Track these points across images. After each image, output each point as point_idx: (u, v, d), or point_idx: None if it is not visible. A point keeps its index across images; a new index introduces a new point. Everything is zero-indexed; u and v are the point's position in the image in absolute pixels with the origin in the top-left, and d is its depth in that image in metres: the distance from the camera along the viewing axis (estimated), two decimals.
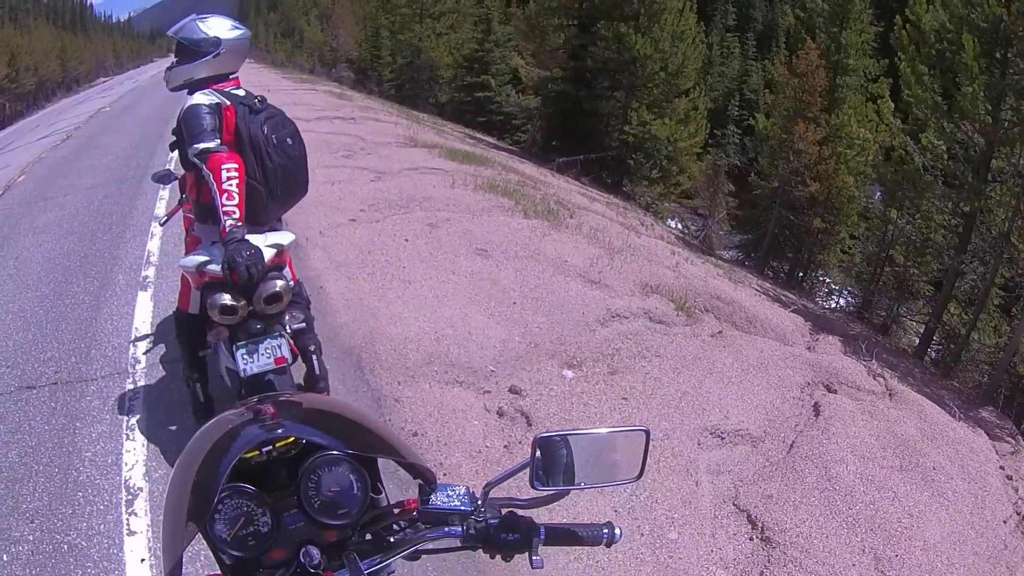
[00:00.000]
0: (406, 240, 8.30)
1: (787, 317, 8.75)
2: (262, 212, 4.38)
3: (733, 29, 76.61)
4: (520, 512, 1.64)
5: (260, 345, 3.96)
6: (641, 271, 7.85)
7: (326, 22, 70.14)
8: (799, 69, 20.19)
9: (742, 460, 5.09)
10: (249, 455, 1.62)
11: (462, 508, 1.65)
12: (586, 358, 5.92)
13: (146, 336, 6.99)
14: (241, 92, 4.38)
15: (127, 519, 4.54)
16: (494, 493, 1.67)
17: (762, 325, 7.70)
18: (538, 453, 1.62)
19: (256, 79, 38.29)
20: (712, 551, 4.31)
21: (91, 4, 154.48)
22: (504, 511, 1.64)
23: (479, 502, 1.66)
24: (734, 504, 4.64)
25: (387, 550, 1.63)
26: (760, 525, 4.44)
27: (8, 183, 16.31)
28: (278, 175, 4.35)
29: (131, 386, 6.11)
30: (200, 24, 4.36)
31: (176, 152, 4.63)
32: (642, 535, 4.15)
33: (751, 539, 4.49)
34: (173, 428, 5.41)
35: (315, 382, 4.72)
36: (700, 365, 6.00)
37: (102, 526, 4.51)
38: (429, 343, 6.15)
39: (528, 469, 1.63)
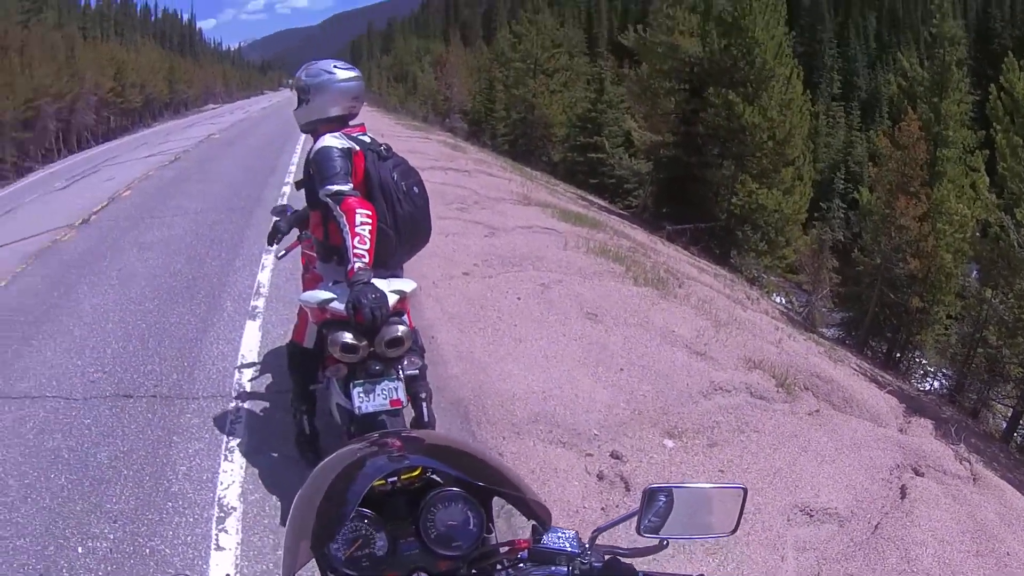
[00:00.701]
0: (518, 298, 8.37)
1: (882, 398, 8.62)
2: (391, 258, 4.53)
3: (838, 98, 75.67)
4: (623, 559, 1.70)
5: (377, 386, 4.05)
6: (745, 345, 7.86)
7: (439, 70, 70.38)
8: (901, 141, 19.91)
9: (828, 538, 5.10)
10: (375, 484, 1.74)
11: (570, 550, 1.72)
12: (687, 429, 5.99)
13: (252, 364, 7.17)
14: (367, 138, 4.56)
15: (216, 534, 4.68)
16: (600, 540, 1.74)
17: (858, 405, 7.61)
18: (647, 502, 1.70)
19: (370, 122, 38.73)
20: None
21: (200, 29, 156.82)
22: (607, 557, 1.70)
23: (586, 546, 1.73)
24: None
25: None
26: None
27: (113, 195, 16.93)
28: (407, 222, 4.47)
29: (234, 410, 6.30)
30: (317, 66, 4.59)
31: (302, 190, 4.77)
32: None
33: None
34: (274, 455, 5.55)
35: (422, 429, 4.77)
36: (796, 442, 6.00)
37: (189, 537, 4.66)
38: (536, 402, 6.16)
39: (635, 518, 1.71)
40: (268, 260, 10.26)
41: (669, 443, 5.80)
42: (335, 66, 4.67)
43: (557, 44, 44.42)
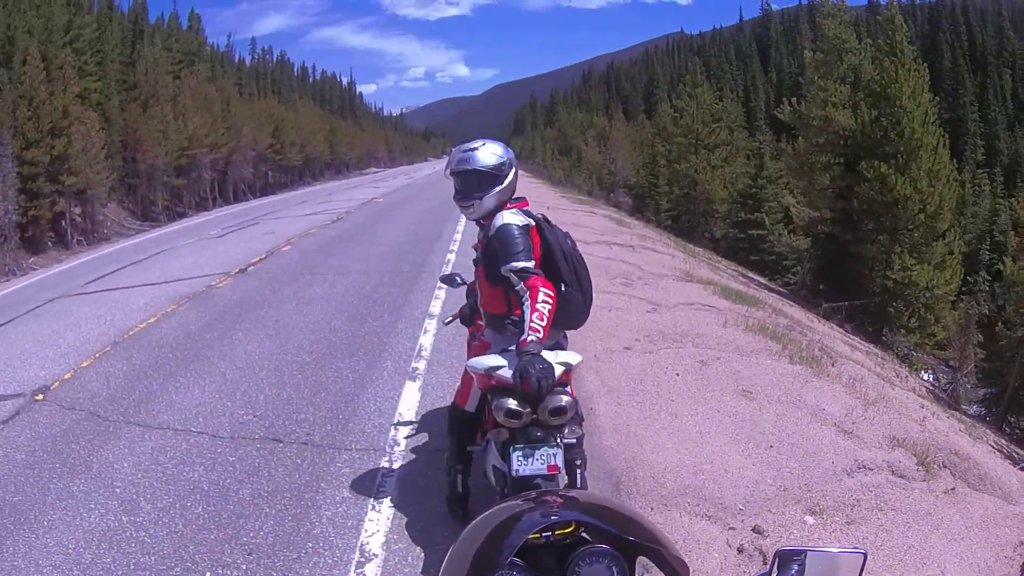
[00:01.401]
0: (677, 374, 8.63)
1: (1015, 474, 8.56)
2: (580, 316, 4.88)
3: (982, 164, 72.94)
4: None
5: (537, 451, 4.18)
6: (891, 424, 7.93)
7: (602, 144, 70.47)
8: None
9: None
10: (530, 537, 1.85)
11: None
12: (828, 506, 6.10)
13: (409, 423, 7.40)
14: (531, 211, 4.80)
15: None
16: None
17: (991, 483, 7.57)
18: (779, 564, 1.78)
19: (536, 194, 38.31)
20: None
21: (360, 93, 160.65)
22: None
23: None
24: None
25: None
26: None
27: (272, 249, 17.76)
28: (587, 281, 4.78)
29: (386, 464, 6.55)
30: (482, 153, 4.70)
31: (479, 267, 4.92)
32: None
33: None
34: (423, 510, 5.70)
35: None
36: (929, 521, 6.05)
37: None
38: (687, 475, 6.34)
39: None
40: (431, 324, 10.75)
41: (810, 519, 5.94)
42: (497, 143, 4.91)
43: (717, 118, 44.46)
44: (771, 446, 7.11)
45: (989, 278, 40.76)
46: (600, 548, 1.95)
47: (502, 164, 4.73)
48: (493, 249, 4.59)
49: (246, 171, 55.65)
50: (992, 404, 22.74)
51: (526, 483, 4.13)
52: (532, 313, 4.17)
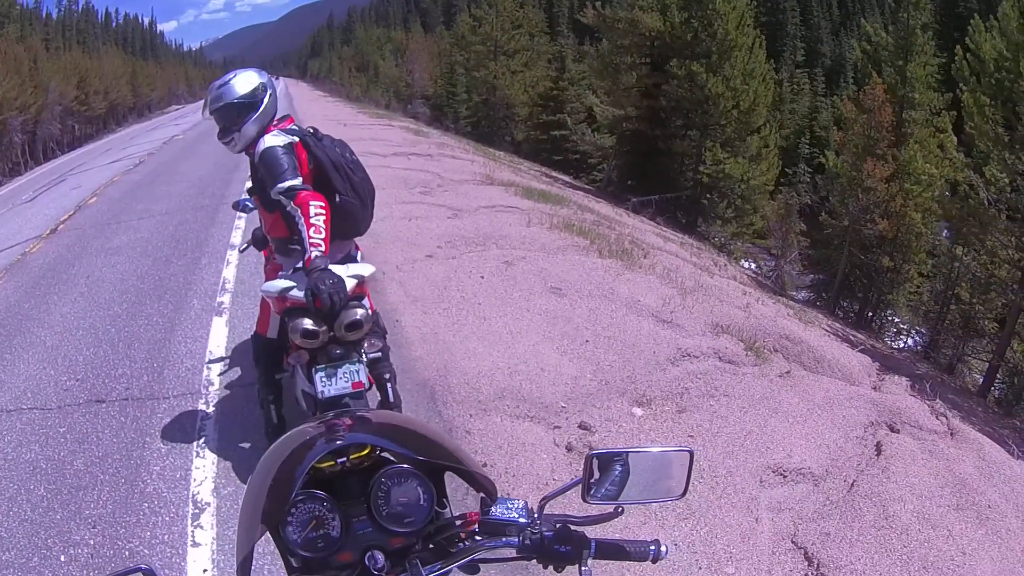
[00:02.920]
0: (482, 277, 8.40)
1: (854, 357, 8.69)
2: (362, 223, 4.69)
3: (802, 65, 76.27)
4: (573, 527, 1.70)
5: (339, 369, 4.12)
6: (712, 311, 7.88)
7: (400, 57, 71.01)
8: (866, 105, 20.13)
9: (803, 498, 5.09)
10: (324, 464, 1.76)
11: (519, 520, 1.73)
12: (655, 396, 5.97)
13: (221, 359, 7.18)
14: (296, 127, 4.62)
15: (192, 531, 4.71)
16: (550, 508, 1.75)
17: (829, 365, 7.65)
18: (591, 468, 1.71)
19: (332, 112, 38.56)
20: None
21: (161, 32, 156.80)
22: (558, 525, 1.70)
23: (535, 516, 1.73)
24: (792, 541, 4.65)
25: (448, 558, 1.72)
26: (816, 562, 4.45)
27: (80, 204, 16.86)
28: (364, 187, 4.61)
29: (204, 406, 6.31)
30: (236, 84, 4.53)
31: (254, 195, 4.83)
32: (700, 568, 4.21)
33: None
34: (245, 447, 5.56)
35: (388, 410, 4.72)
36: (766, 404, 5.99)
37: (166, 536, 4.69)
38: (502, 378, 6.22)
39: (581, 484, 1.72)
40: (233, 256, 10.29)
41: (638, 411, 5.78)
42: (250, 70, 4.78)
43: (517, 25, 43.99)
44: (587, 341, 6.87)
45: (810, 170, 42.31)
46: (401, 468, 1.81)
47: (255, 89, 4.54)
48: (261, 175, 4.47)
49: (55, 128, 53.65)
50: (821, 291, 23.78)
51: (334, 403, 4.09)
52: (308, 229, 4.06)
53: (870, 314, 21.50)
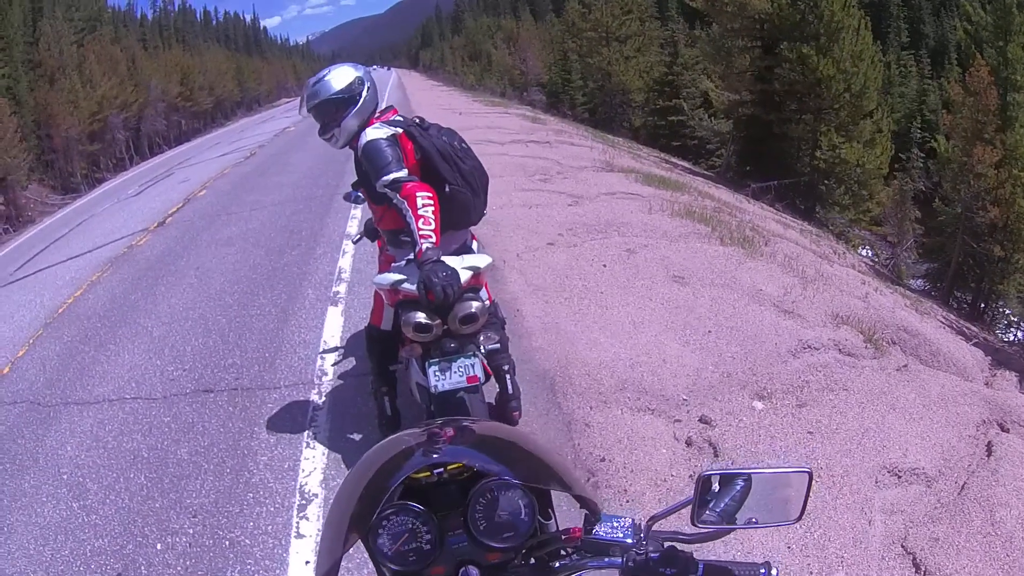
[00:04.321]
0: (604, 265, 8.36)
1: (968, 351, 8.41)
2: (474, 213, 4.70)
3: (907, 46, 73.86)
4: (681, 547, 1.61)
5: (453, 363, 4.04)
6: (833, 301, 7.73)
7: (512, 45, 70.63)
8: (972, 87, 19.46)
9: (915, 500, 4.86)
10: (420, 475, 1.70)
11: (624, 540, 1.66)
12: (776, 390, 5.85)
13: (335, 349, 7.19)
14: (401, 118, 4.61)
15: (297, 522, 4.74)
16: (658, 527, 1.67)
17: (945, 359, 7.42)
18: (702, 489, 1.62)
19: (447, 101, 38.80)
20: None
21: (265, 27, 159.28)
22: (666, 545, 1.61)
23: (642, 535, 1.66)
24: (902, 546, 4.45)
25: (547, 575, 1.67)
26: (924, 569, 4.26)
27: (188, 196, 17.30)
28: (475, 175, 4.60)
29: (316, 396, 6.33)
30: (332, 80, 4.53)
31: (362, 191, 4.89)
32: (810, 574, 4.12)
33: None
34: (356, 438, 5.55)
35: (507, 401, 4.83)
36: (884, 400, 5.81)
37: (270, 527, 4.73)
38: (623, 369, 6.10)
39: (691, 505, 1.62)
40: (349, 246, 10.35)
41: (759, 405, 5.69)
42: (346, 64, 4.76)
43: (627, 11, 43.29)
44: (709, 331, 6.79)
45: (922, 155, 41.27)
46: (502, 480, 1.69)
47: (352, 84, 4.56)
48: (365, 169, 4.45)
49: (159, 124, 54.89)
50: (935, 279, 23.08)
51: (448, 398, 4.03)
52: (416, 221, 4.02)
53: (983, 305, 20.85)
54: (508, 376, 4.74)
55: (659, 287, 7.71)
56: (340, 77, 4.54)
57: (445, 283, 3.81)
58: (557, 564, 1.69)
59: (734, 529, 1.68)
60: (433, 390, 4.02)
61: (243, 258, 10.85)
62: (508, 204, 11.22)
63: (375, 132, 4.40)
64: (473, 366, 4.07)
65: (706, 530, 1.65)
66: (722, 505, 1.65)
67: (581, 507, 1.78)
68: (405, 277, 4.13)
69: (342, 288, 8.86)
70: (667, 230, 9.76)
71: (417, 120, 4.66)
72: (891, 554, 4.35)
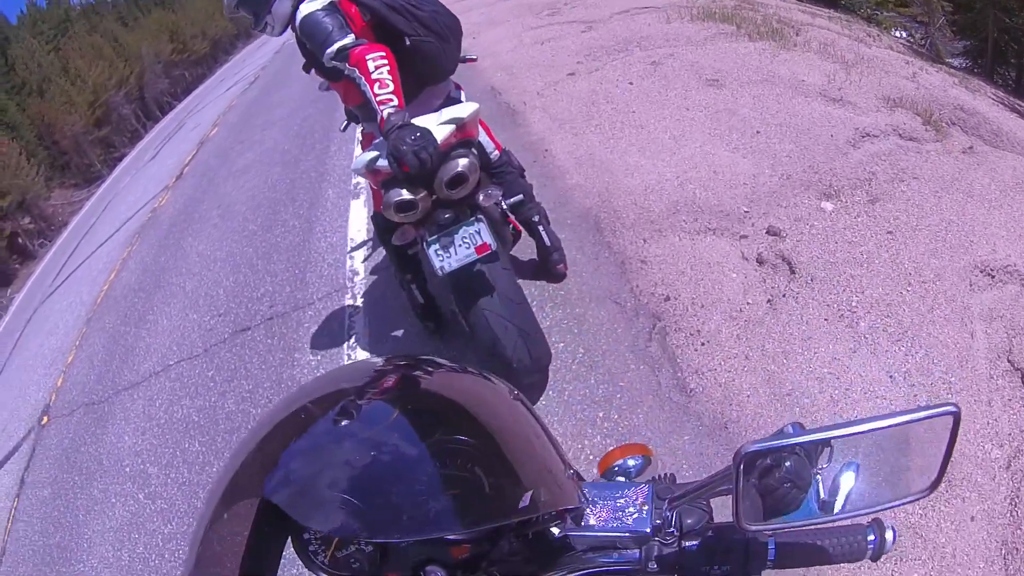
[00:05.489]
0: (630, 83, 8.00)
1: None
2: (444, 61, 4.24)
3: None
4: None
5: (455, 236, 3.63)
6: (880, 83, 7.26)
7: None
8: None
9: (1012, 302, 4.31)
10: None
11: (640, 529, 1.22)
12: (843, 186, 5.45)
13: (363, 244, 6.95)
14: None
15: None
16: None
17: (1008, 139, 6.90)
18: (745, 473, 1.03)
19: None
20: (988, 423, 3.59)
21: None
22: (706, 522, 1.19)
23: (666, 511, 1.22)
24: (1008, 360, 3.92)
25: (548, 570, 1.23)
26: None
27: (202, 139, 17.36)
28: (438, 20, 4.13)
29: (350, 300, 6.14)
30: None
31: (314, 71, 4.29)
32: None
33: None
34: (399, 335, 5.30)
35: (548, 254, 4.73)
36: (958, 187, 5.37)
37: None
38: (672, 190, 5.74)
39: (733, 499, 1.04)
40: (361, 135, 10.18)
41: (827, 206, 5.30)
42: None
43: None
44: (758, 132, 6.39)
45: None
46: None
47: None
48: (308, 48, 4.00)
49: (162, 84, 56.79)
50: (975, 56, 22.04)
51: (466, 276, 3.70)
52: (372, 87, 3.56)
53: None
54: (541, 227, 4.57)
55: (694, 94, 7.31)
56: None
57: (416, 147, 3.35)
58: (561, 556, 1.24)
59: (810, 526, 1.09)
60: (439, 272, 3.65)
61: (261, 180, 10.74)
62: (519, 45, 10.88)
63: (308, 6, 3.90)
64: (479, 232, 3.64)
65: (757, 527, 1.06)
66: (781, 494, 1.06)
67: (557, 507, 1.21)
68: (379, 153, 3.66)
69: (361, 179, 8.37)
70: (690, 36, 9.32)
71: None
72: (998, 371, 3.88)
